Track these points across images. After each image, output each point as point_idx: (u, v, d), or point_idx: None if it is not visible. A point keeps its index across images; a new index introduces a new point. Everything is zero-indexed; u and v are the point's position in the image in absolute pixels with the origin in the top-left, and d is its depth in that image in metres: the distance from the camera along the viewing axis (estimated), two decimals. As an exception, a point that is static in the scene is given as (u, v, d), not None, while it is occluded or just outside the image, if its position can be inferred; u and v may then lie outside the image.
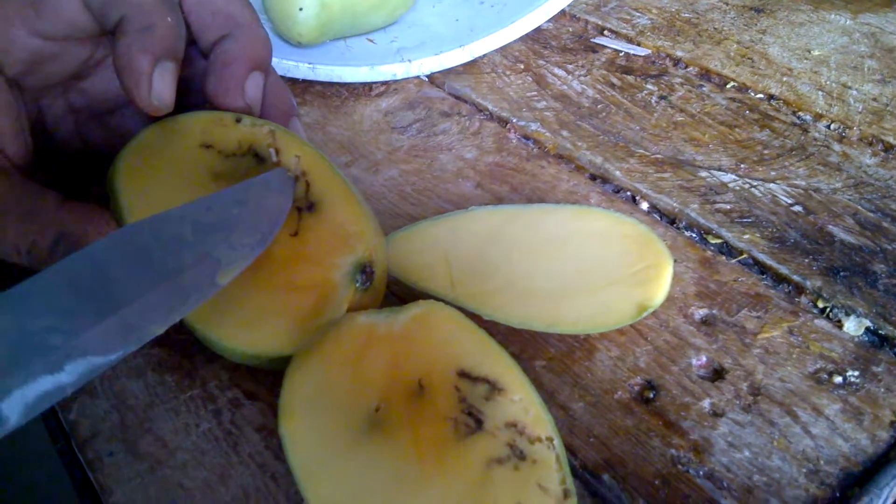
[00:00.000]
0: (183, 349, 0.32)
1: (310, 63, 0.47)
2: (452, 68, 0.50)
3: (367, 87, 0.49)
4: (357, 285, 0.30)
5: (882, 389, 0.30)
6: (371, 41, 0.51)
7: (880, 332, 0.32)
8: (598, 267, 0.32)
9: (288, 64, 0.46)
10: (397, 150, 0.43)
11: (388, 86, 0.49)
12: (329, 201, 0.32)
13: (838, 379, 0.30)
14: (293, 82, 0.49)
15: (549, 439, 0.26)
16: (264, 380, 0.31)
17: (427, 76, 0.49)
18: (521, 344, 0.32)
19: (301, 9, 0.45)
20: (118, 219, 0.30)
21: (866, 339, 0.32)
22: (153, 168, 0.31)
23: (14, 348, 0.22)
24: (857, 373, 0.30)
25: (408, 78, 0.49)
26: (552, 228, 0.34)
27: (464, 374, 0.27)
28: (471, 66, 0.50)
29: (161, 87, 0.30)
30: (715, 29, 0.53)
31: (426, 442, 0.26)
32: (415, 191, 0.40)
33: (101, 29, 0.31)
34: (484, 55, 0.50)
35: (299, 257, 0.30)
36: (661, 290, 0.31)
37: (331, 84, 0.49)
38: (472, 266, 0.33)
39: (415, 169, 0.42)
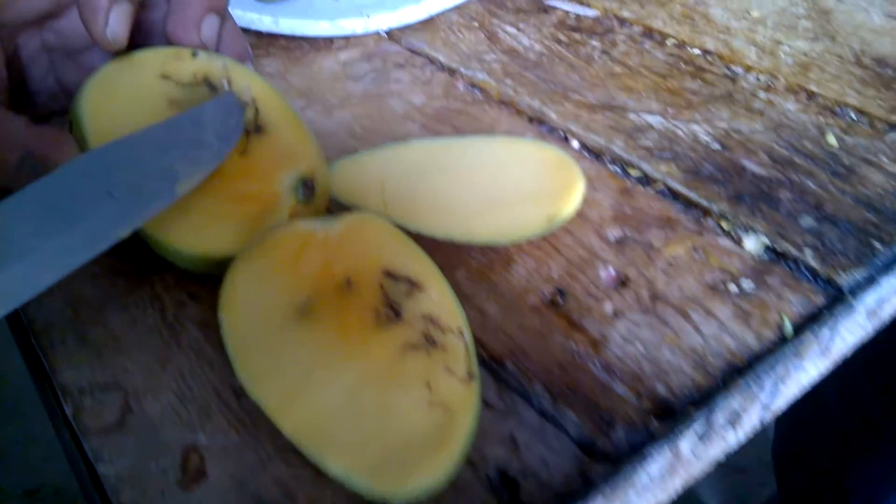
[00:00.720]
0: (136, 258, 0.35)
1: (273, 16, 0.49)
2: (410, 25, 0.52)
3: (329, 41, 0.51)
4: (298, 197, 0.33)
5: (773, 297, 0.32)
6: (334, -1, 0.53)
7: (777, 248, 0.34)
8: (517, 186, 0.35)
9: (252, 16, 0.49)
10: (351, 96, 0.46)
11: (349, 41, 0.51)
12: (276, 125, 0.35)
13: (733, 288, 0.33)
14: (258, 35, 0.52)
15: (460, 331, 0.29)
16: (209, 285, 0.34)
17: (386, 32, 0.52)
18: (446, 256, 0.35)
19: (264, -36, 0.48)
20: (80, 141, 0.33)
21: (765, 255, 0.34)
22: (115, 95, 0.34)
23: None
24: (751, 283, 0.33)
25: (367, 34, 0.52)
26: (480, 155, 0.37)
27: (388, 274, 0.30)
28: (428, 24, 0.53)
29: (116, 24, 0.33)
30: (662, -7, 0.56)
31: (350, 327, 0.29)
32: (364, 130, 0.43)
33: None
34: (441, 13, 0.53)
35: (247, 172, 0.33)
36: (569, 204, 0.33)
37: (294, 38, 0.52)
38: (404, 187, 0.36)
39: (366, 112, 0.44)
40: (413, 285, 0.30)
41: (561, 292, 0.33)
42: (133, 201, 0.29)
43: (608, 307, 0.32)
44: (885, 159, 0.39)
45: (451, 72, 0.48)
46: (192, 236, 0.32)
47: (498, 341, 0.31)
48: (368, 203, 0.36)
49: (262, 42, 0.51)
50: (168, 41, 0.36)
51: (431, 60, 0.49)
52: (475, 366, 0.28)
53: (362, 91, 0.46)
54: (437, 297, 0.30)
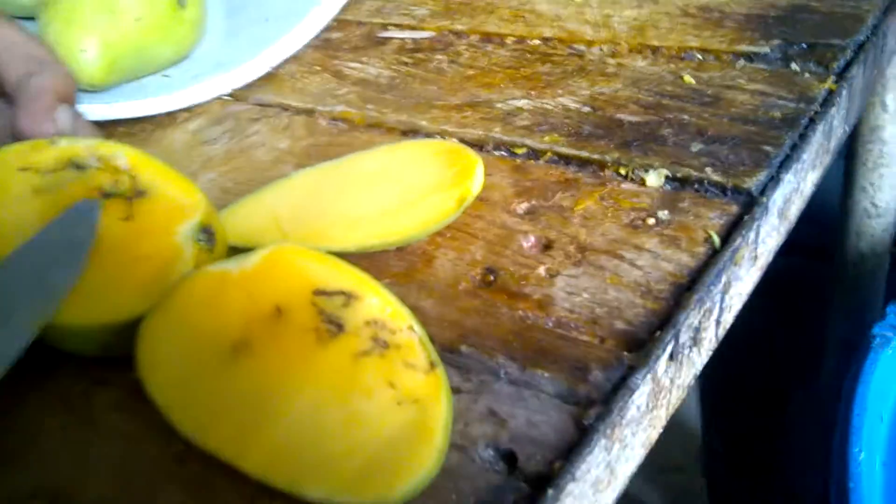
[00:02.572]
0: (30, 359, 0.31)
1: (107, 102, 0.47)
2: (253, 83, 0.51)
3: (171, 116, 0.49)
4: (201, 243, 0.31)
5: (691, 217, 0.33)
6: (166, 76, 0.51)
7: (678, 175, 0.35)
8: (417, 182, 0.34)
9: (82, 108, 0.46)
10: (212, 158, 0.44)
11: (193, 111, 0.49)
12: (159, 185, 0.33)
13: (651, 221, 0.33)
14: (95, 126, 0.49)
15: (409, 327, 0.27)
16: (111, 366, 0.30)
17: (230, 95, 0.50)
18: (365, 269, 0.33)
19: (83, 51, 0.45)
20: None
21: (668, 186, 0.35)
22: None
23: None
24: (666, 212, 0.33)
25: (210, 101, 0.50)
26: (368, 166, 0.36)
27: (319, 292, 0.28)
28: (271, 78, 0.52)
29: None
30: (487, 3, 0.57)
31: (290, 353, 0.26)
32: (236, 184, 0.41)
33: None
34: (279, 66, 0.52)
35: (137, 236, 0.31)
36: (473, 181, 0.33)
37: (134, 122, 0.49)
38: (300, 215, 0.34)
39: (232, 168, 0.42)
40: (348, 296, 0.28)
41: (490, 271, 0.32)
42: None
43: (542, 271, 0.31)
44: (742, 81, 0.41)
45: (308, 112, 0.47)
46: (92, 308, 0.29)
47: (445, 331, 0.29)
48: (267, 239, 0.33)
49: (103, 132, 0.48)
50: (23, 137, 0.34)
51: (285, 108, 0.48)
52: (434, 354, 0.26)
53: (222, 151, 0.44)
54: (377, 301, 0.28)
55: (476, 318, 0.30)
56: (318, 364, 0.26)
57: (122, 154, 0.33)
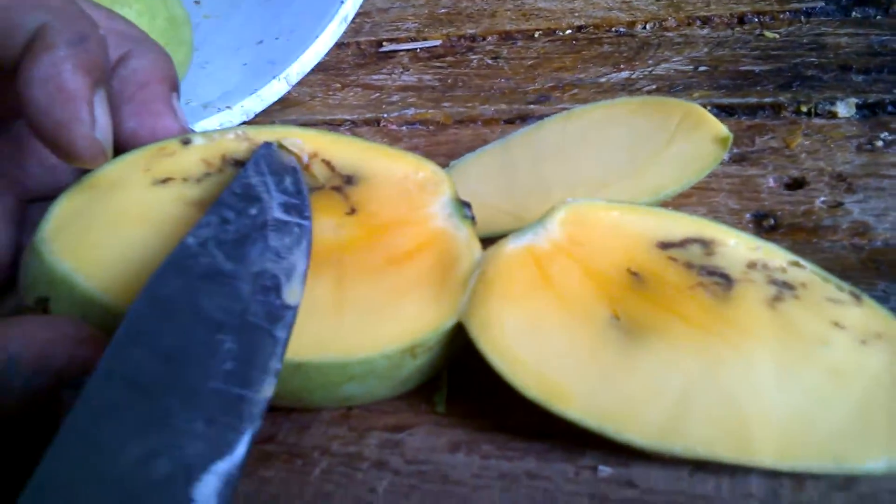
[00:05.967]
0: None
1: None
2: (269, 109, 0.44)
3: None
4: (468, 220, 0.25)
5: (916, 136, 0.31)
6: (165, 111, 0.42)
7: (869, 101, 0.33)
8: (648, 137, 0.29)
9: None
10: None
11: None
12: (370, 165, 0.26)
13: (879, 143, 0.31)
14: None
15: (795, 263, 0.23)
16: (400, 404, 0.22)
17: (247, 123, 0.43)
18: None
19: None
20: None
21: (858, 115, 0.33)
22: (97, 239, 0.23)
23: None
24: (885, 133, 0.31)
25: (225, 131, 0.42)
26: (559, 137, 0.31)
27: (666, 245, 0.23)
28: (286, 103, 0.44)
29: (104, 120, 0.23)
30: (477, 10, 0.54)
31: (700, 317, 0.21)
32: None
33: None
34: (290, 91, 0.45)
35: (380, 229, 0.24)
36: (714, 120, 0.29)
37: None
38: (518, 193, 0.28)
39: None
40: (703, 243, 0.23)
41: (762, 216, 0.28)
42: (244, 358, 0.19)
43: (821, 203, 0.28)
44: (827, 30, 0.41)
45: (371, 122, 0.40)
46: (394, 323, 0.21)
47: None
48: (495, 226, 0.27)
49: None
50: (127, 141, 0.25)
51: (333, 123, 0.41)
52: (844, 284, 0.22)
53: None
54: (739, 242, 0.23)
55: (804, 254, 0.26)
56: (741, 322, 0.21)
57: (294, 136, 0.26)
